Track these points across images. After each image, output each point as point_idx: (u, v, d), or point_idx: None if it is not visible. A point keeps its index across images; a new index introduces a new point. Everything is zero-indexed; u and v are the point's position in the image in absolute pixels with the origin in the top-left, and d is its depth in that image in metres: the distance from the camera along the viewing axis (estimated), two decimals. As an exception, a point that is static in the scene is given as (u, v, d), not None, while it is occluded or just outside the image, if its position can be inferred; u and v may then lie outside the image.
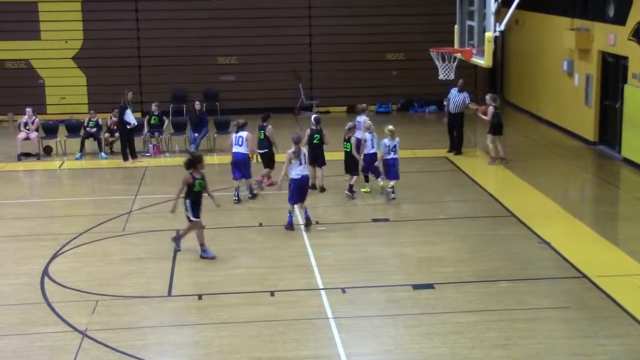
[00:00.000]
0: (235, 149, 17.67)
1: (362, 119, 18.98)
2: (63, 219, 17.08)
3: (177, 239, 14.74)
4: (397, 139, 17.56)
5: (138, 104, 26.63)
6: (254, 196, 17.88)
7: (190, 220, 14.39)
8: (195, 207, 14.34)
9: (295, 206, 15.93)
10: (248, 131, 17.82)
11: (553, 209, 16.93)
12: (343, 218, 16.58)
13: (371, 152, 17.84)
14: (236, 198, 17.61)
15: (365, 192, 18.11)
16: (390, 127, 17.68)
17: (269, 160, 18.67)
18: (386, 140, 17.48)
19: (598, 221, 16.30)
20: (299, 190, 15.72)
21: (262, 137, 18.58)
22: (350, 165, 18.07)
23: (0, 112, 27.38)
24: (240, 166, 17.62)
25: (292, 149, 15.68)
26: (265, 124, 18.62)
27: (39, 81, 27.57)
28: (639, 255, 14.02)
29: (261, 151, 18.65)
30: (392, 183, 17.49)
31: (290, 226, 15.69)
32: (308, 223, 15.77)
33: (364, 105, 20.14)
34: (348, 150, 17.98)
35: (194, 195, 14.32)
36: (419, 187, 18.65)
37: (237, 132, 17.81)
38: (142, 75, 27.84)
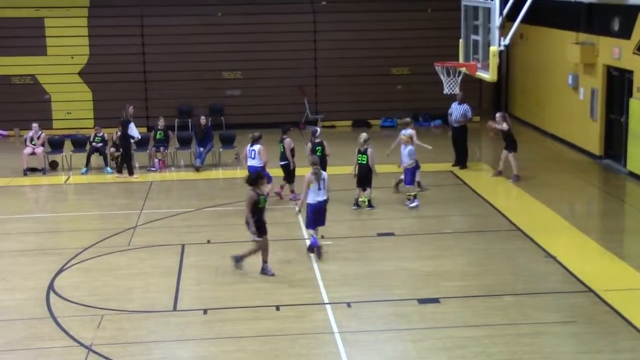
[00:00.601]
0: (249, 162, 17.65)
1: (408, 132, 19.06)
2: (69, 233, 17.10)
3: (238, 260, 14.24)
4: (409, 146, 17.97)
5: (143, 119, 26.75)
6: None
7: (255, 240, 14.01)
8: (261, 225, 14.00)
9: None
10: (262, 144, 17.71)
11: (559, 223, 16.90)
12: (348, 232, 16.57)
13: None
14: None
15: (363, 201, 18.12)
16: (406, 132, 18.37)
17: (287, 173, 18.70)
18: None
19: (604, 235, 16.27)
20: (315, 216, 15.06)
21: (281, 150, 18.66)
22: (366, 179, 17.82)
23: (6, 127, 27.45)
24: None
25: (312, 171, 15.00)
26: (284, 136, 18.73)
27: (45, 96, 27.66)
28: (645, 270, 13.99)
29: (281, 163, 18.67)
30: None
31: (311, 249, 15.10)
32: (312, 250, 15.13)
33: (408, 119, 20.09)
34: (364, 162, 17.75)
35: (258, 213, 13.93)
36: (424, 201, 18.62)
37: (251, 145, 17.72)
38: (147, 90, 27.91)
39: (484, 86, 27.46)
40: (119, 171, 21.75)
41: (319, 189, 14.96)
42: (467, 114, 21.40)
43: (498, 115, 20.56)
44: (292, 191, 18.70)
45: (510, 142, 20.28)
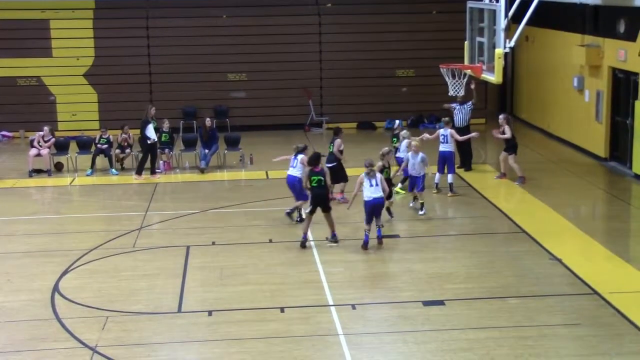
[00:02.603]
0: (289, 171, 17.21)
1: (449, 131, 19.42)
2: (74, 235, 17.11)
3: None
4: (420, 154, 17.72)
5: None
6: (301, 219, 17.14)
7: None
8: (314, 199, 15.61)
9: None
10: (306, 155, 17.16)
11: (564, 225, 16.88)
12: (353, 234, 16.55)
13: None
14: (298, 218, 17.23)
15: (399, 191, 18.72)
16: (414, 142, 17.91)
17: (336, 175, 18.54)
18: (409, 156, 17.85)
19: (609, 238, 16.24)
20: (371, 211, 15.54)
21: (330, 150, 18.66)
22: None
23: (12, 129, 27.51)
24: (290, 188, 17.18)
25: (365, 172, 15.51)
26: (335, 137, 18.73)
27: (50, 98, 27.71)
28: (651, 272, 13.97)
29: (329, 165, 18.43)
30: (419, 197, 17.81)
31: (365, 245, 15.52)
32: (379, 242, 15.70)
33: (447, 118, 20.31)
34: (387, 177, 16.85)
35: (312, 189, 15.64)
36: (429, 203, 18.61)
37: (295, 155, 17.28)
38: (152, 92, 27.95)
39: (489, 88, 27.43)
40: (138, 173, 21.69)
41: (370, 185, 15.44)
42: (470, 110, 21.37)
43: (501, 117, 20.47)
44: (342, 192, 18.67)
45: (510, 145, 20.22)
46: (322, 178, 15.69)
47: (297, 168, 17.06)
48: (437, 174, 19.43)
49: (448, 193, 19.14)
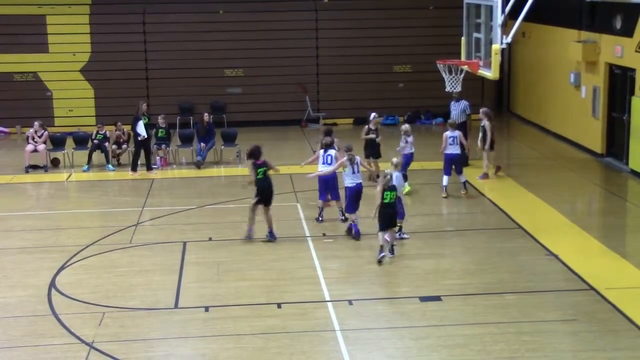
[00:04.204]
0: (324, 167, 16.56)
1: (457, 133, 18.97)
2: (70, 231, 17.11)
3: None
4: (396, 172, 15.44)
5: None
6: (346, 219, 16.51)
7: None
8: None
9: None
10: (336, 149, 16.86)
11: (560, 221, 16.90)
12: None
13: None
14: (320, 218, 16.92)
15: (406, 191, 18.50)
16: (395, 159, 15.81)
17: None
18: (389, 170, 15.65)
19: (606, 233, 16.27)
20: (353, 199, 15.74)
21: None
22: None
23: (8, 125, 27.47)
24: (330, 186, 16.64)
25: (347, 156, 15.78)
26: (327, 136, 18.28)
27: (46, 93, 27.67)
28: (647, 268, 13.99)
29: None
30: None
31: (357, 235, 15.71)
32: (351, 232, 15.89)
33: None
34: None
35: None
36: (426, 199, 18.63)
37: (325, 150, 16.72)
38: (149, 87, 27.91)
39: (486, 84, 27.44)
40: (133, 169, 21.69)
41: (353, 172, 15.69)
42: (467, 110, 21.34)
43: (481, 111, 20.41)
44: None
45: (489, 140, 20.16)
46: (266, 168, 15.66)
47: (333, 164, 16.52)
48: (445, 177, 18.83)
49: (462, 191, 18.89)
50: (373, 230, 15.79)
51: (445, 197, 18.74)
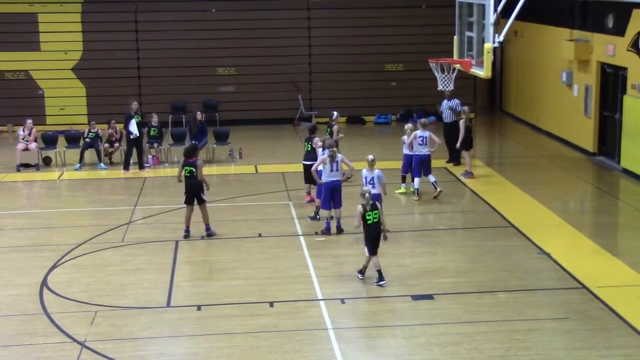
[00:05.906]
0: (331, 175, 15.95)
1: (427, 134, 18.34)
2: (62, 229, 17.07)
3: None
4: (376, 170, 15.31)
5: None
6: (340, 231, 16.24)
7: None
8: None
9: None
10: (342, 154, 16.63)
11: (552, 219, 16.92)
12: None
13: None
14: (318, 217, 16.77)
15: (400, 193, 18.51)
16: (371, 156, 15.47)
17: (309, 174, 17.32)
18: (364, 171, 15.48)
19: (597, 232, 16.31)
20: (329, 195, 15.83)
21: (309, 149, 17.72)
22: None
23: (0, 123, 27.40)
24: (336, 194, 16.00)
25: (328, 153, 15.82)
26: (312, 135, 17.89)
27: (38, 92, 27.60)
28: (639, 266, 14.00)
29: (307, 162, 17.65)
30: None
31: (327, 231, 15.94)
32: (339, 231, 16.01)
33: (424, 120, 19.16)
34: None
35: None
36: (417, 203, 18.63)
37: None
38: (141, 86, 27.86)
39: (478, 83, 27.47)
40: (125, 168, 21.64)
41: (331, 170, 15.77)
42: (457, 108, 21.24)
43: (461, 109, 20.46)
44: (308, 193, 18.14)
45: (465, 139, 20.13)
46: (194, 169, 15.74)
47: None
48: (417, 179, 18.41)
49: (435, 192, 18.30)
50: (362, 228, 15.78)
51: (417, 200, 18.35)
